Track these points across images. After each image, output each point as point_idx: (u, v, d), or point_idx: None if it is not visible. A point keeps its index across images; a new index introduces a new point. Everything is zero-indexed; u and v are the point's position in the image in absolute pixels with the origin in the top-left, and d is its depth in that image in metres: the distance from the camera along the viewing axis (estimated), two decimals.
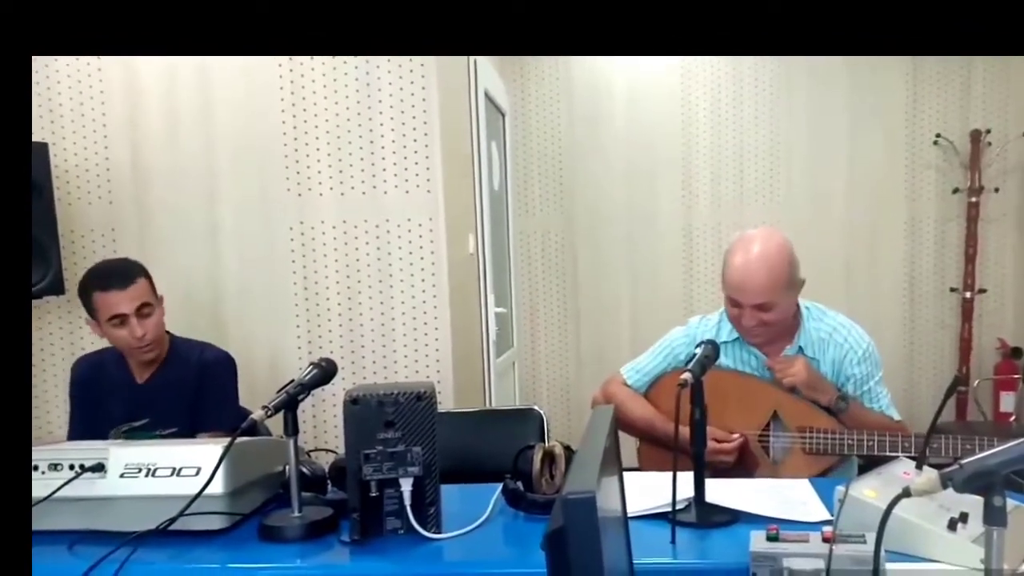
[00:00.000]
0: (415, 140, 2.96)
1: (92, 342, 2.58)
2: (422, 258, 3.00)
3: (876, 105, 4.89)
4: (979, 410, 4.91)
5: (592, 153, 5.03)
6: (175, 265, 3.06)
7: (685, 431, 1.65)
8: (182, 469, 1.66)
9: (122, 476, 1.68)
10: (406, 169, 2.97)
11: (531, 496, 1.74)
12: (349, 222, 3.02)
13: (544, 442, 1.93)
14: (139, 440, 1.98)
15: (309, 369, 1.74)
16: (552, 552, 0.91)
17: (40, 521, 1.60)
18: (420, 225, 2.99)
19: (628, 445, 2.06)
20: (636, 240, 5.06)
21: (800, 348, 2.22)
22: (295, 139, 3.00)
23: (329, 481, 1.85)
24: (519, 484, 1.76)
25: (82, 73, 3.02)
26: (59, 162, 3.01)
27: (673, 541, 1.56)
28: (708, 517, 1.65)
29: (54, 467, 1.69)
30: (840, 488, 1.46)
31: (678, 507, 1.58)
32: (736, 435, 2.14)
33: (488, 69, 3.89)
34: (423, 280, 3.01)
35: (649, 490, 1.74)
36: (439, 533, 1.63)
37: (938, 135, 4.87)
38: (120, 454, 1.70)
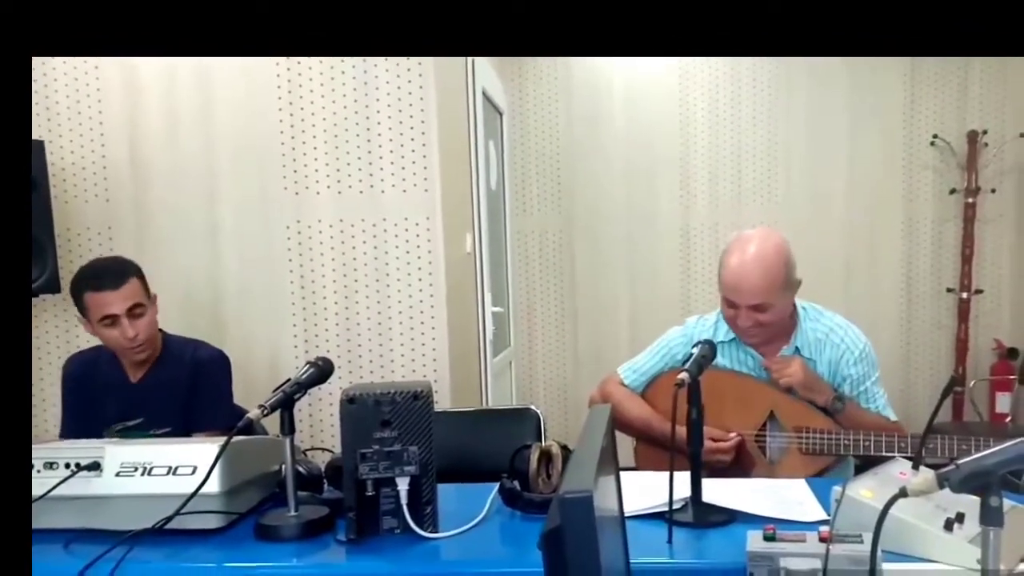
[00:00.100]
0: (412, 139, 2.96)
1: (88, 340, 2.57)
2: (419, 257, 3.00)
3: (874, 106, 4.90)
4: (975, 411, 4.92)
5: (590, 153, 5.03)
6: (172, 264, 3.06)
7: (682, 431, 1.65)
8: (178, 468, 1.66)
9: (118, 475, 1.67)
10: (403, 168, 2.97)
11: (528, 495, 1.74)
12: (346, 221, 3.01)
13: (541, 441, 1.93)
14: (134, 439, 1.97)
15: (306, 368, 1.74)
16: (549, 551, 0.91)
17: (36, 519, 1.59)
18: (417, 224, 2.99)
19: (625, 445, 2.06)
20: (634, 240, 5.06)
21: (797, 348, 2.22)
22: (293, 138, 3.00)
23: (325, 480, 1.85)
24: (516, 483, 1.76)
25: (79, 71, 3.02)
26: (56, 160, 3.01)
27: (670, 541, 1.56)
28: (705, 517, 1.65)
29: (50, 465, 1.69)
30: (837, 488, 1.46)
31: (675, 507, 1.58)
32: (733, 434, 2.14)
33: (486, 68, 3.89)
34: (420, 279, 3.00)
35: (646, 490, 1.74)
36: (435, 532, 1.63)
37: (935, 136, 4.87)
38: (116, 453, 1.70)
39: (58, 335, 3.09)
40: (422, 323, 3.02)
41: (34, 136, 2.94)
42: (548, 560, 0.92)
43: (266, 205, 3.04)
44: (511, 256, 4.72)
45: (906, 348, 5.07)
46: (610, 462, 1.25)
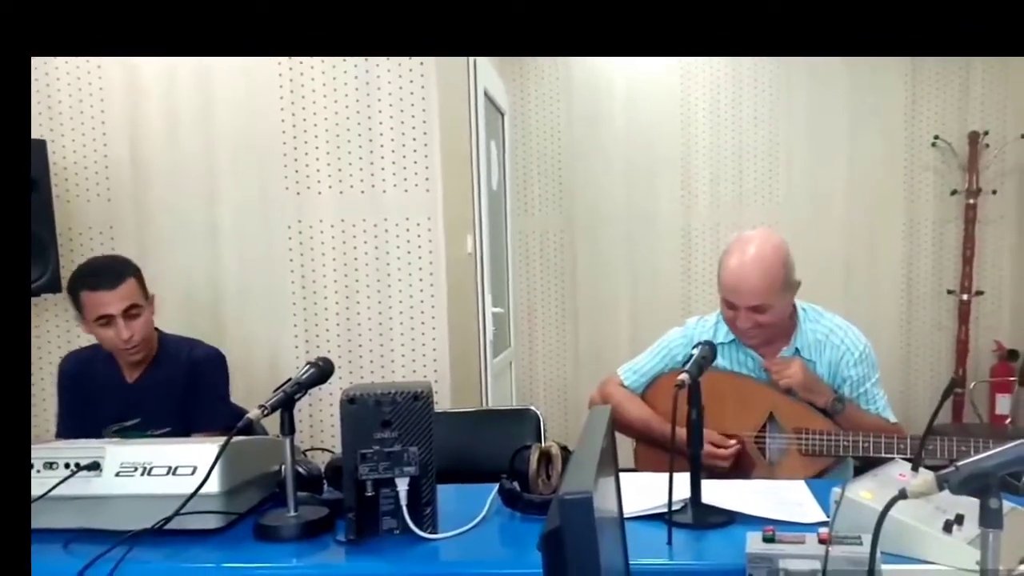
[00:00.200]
0: (414, 139, 2.96)
1: (88, 340, 2.57)
2: (420, 257, 3.00)
3: (874, 106, 4.89)
4: (975, 412, 4.92)
5: (591, 153, 5.03)
6: (173, 263, 3.06)
7: (682, 432, 1.65)
8: (178, 468, 1.66)
9: (118, 475, 1.67)
10: (405, 168, 2.97)
11: (528, 496, 1.74)
12: (347, 221, 3.02)
13: (541, 442, 1.93)
14: (133, 439, 1.97)
15: (306, 368, 1.74)
16: (548, 552, 0.91)
17: (36, 519, 1.59)
18: (418, 224, 2.99)
19: (625, 446, 2.06)
20: (635, 240, 5.06)
21: (796, 350, 2.22)
22: (294, 138, 3.00)
23: (325, 481, 1.85)
24: (516, 484, 1.76)
25: (81, 71, 3.02)
26: (57, 159, 3.01)
27: (669, 542, 1.56)
28: (704, 518, 1.65)
29: (50, 465, 1.69)
30: (836, 490, 1.46)
31: (674, 508, 1.59)
32: (733, 442, 2.14)
33: (487, 69, 3.89)
34: (421, 280, 3.00)
35: (645, 491, 1.74)
36: (435, 533, 1.63)
37: (936, 137, 4.87)
38: (116, 453, 1.70)
39: (59, 335, 3.09)
40: (423, 323, 3.02)
41: (36, 135, 2.95)
42: (548, 561, 0.92)
43: (267, 205, 3.04)
44: (512, 256, 4.72)
45: (906, 349, 5.06)
46: (610, 463, 1.25)
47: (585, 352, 5.15)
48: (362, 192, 2.99)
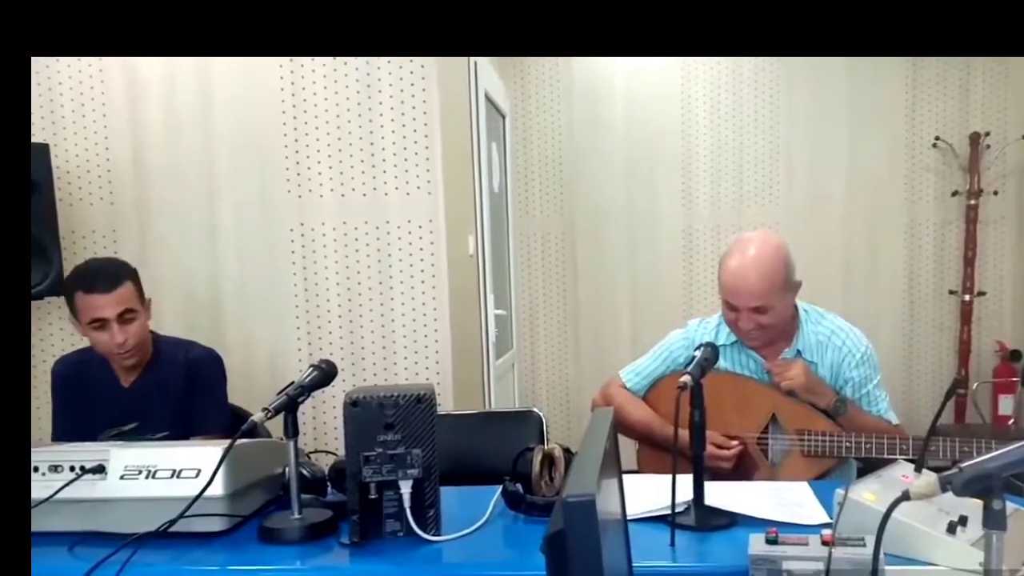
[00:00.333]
0: (415, 142, 2.97)
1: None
2: (422, 260, 3.00)
3: (875, 107, 4.89)
4: (978, 413, 4.92)
5: (592, 155, 5.04)
6: (176, 266, 3.07)
7: (684, 434, 1.65)
8: (182, 471, 1.67)
9: (122, 478, 1.68)
10: (406, 171, 2.98)
11: (530, 498, 1.74)
12: (349, 223, 3.02)
13: (544, 444, 1.93)
14: (136, 443, 1.97)
15: (309, 371, 1.74)
16: (552, 555, 0.92)
17: (40, 522, 1.60)
18: (420, 227, 2.99)
19: (627, 448, 2.07)
20: (636, 242, 5.06)
21: (798, 351, 2.22)
22: (296, 140, 3.01)
23: (329, 483, 1.85)
24: (519, 486, 1.76)
25: (83, 74, 3.03)
26: (60, 163, 3.02)
27: (672, 544, 1.56)
28: (707, 520, 1.65)
29: (54, 468, 1.69)
30: (839, 491, 1.46)
31: (677, 510, 1.58)
32: (735, 443, 2.14)
33: (488, 71, 3.89)
34: (423, 282, 3.01)
35: (648, 493, 1.74)
36: (438, 535, 1.64)
37: (937, 138, 4.87)
38: (120, 456, 1.70)
39: (62, 338, 3.09)
40: (425, 326, 3.02)
41: (39, 139, 2.95)
42: (551, 563, 0.92)
43: (269, 208, 3.04)
44: (514, 258, 4.73)
45: (908, 350, 5.06)
46: (613, 465, 1.26)
47: (587, 354, 5.15)
48: (364, 195, 3.00)
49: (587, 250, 5.10)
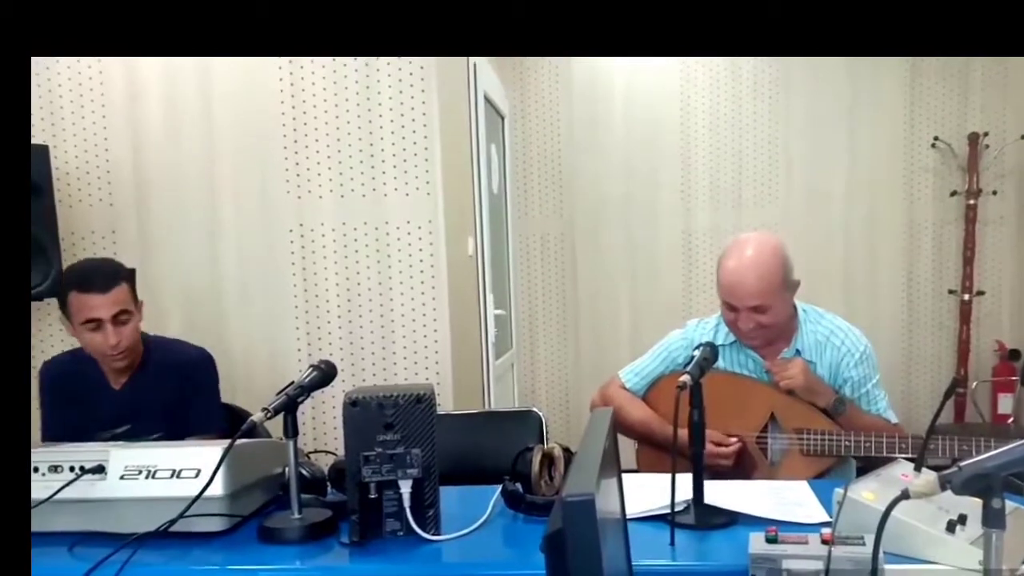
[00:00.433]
0: (415, 143, 2.97)
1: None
2: (421, 260, 3.00)
3: (874, 107, 4.90)
4: (977, 412, 4.92)
5: (591, 155, 5.04)
6: (176, 267, 3.07)
7: (683, 433, 1.65)
8: (182, 471, 1.67)
9: (122, 478, 1.68)
10: (406, 172, 2.98)
11: (530, 498, 1.75)
12: (349, 224, 3.02)
13: (543, 444, 1.93)
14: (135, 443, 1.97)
15: (309, 371, 1.74)
16: (551, 554, 0.92)
17: (40, 522, 1.60)
18: (419, 227, 2.99)
19: (627, 447, 2.07)
20: (635, 242, 5.06)
21: (797, 351, 2.23)
22: (295, 141, 3.01)
23: (329, 483, 1.86)
24: (518, 486, 1.76)
25: (83, 75, 3.03)
26: (60, 164, 3.02)
27: (672, 543, 1.56)
28: (707, 519, 1.66)
29: (54, 469, 1.69)
30: (839, 490, 1.46)
31: (677, 509, 1.59)
32: (734, 440, 2.15)
33: (488, 71, 3.90)
34: (422, 282, 3.01)
35: (648, 492, 1.74)
36: (438, 535, 1.64)
37: (936, 138, 4.87)
38: (120, 456, 1.70)
39: (62, 339, 3.09)
40: (424, 326, 3.02)
41: (38, 140, 2.95)
42: (550, 562, 0.92)
43: (268, 209, 3.04)
44: (513, 259, 4.73)
45: (908, 350, 5.06)
46: (612, 464, 1.26)
47: (586, 354, 5.15)
48: (363, 196, 3.00)
49: (586, 251, 5.11)
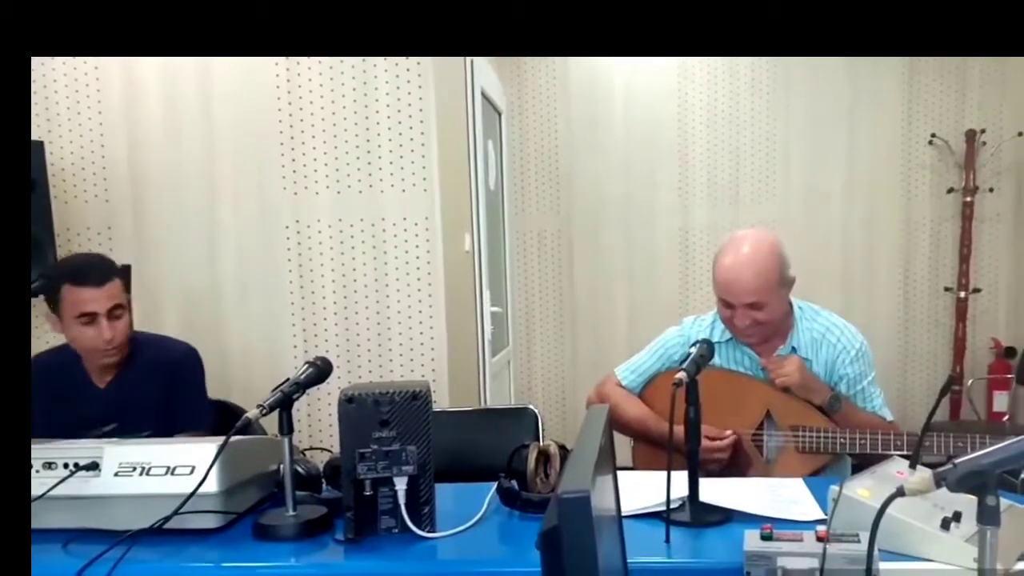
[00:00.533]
0: (411, 139, 2.96)
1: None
2: (418, 257, 3.00)
3: (872, 105, 4.90)
4: (973, 409, 4.93)
5: (588, 153, 5.03)
6: (171, 264, 3.06)
7: (679, 430, 1.65)
8: (176, 468, 1.66)
9: (116, 475, 1.68)
10: (402, 168, 2.98)
11: (526, 495, 1.75)
12: (345, 221, 3.02)
13: (539, 441, 1.93)
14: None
15: (304, 368, 1.74)
16: (547, 551, 0.92)
17: (34, 519, 1.59)
18: (416, 224, 2.99)
19: (622, 444, 2.07)
20: (632, 240, 5.06)
21: (793, 348, 2.23)
22: (292, 138, 3.00)
23: (324, 480, 1.86)
24: (514, 483, 1.76)
25: (78, 71, 3.02)
26: (55, 160, 3.01)
27: (667, 540, 1.56)
28: (702, 516, 1.66)
29: (48, 465, 1.69)
30: (834, 487, 1.47)
31: (672, 506, 1.59)
32: (729, 432, 2.14)
33: (485, 68, 3.89)
34: (419, 279, 3.01)
35: (643, 489, 1.74)
36: (433, 532, 1.64)
37: (933, 135, 4.88)
38: (114, 453, 1.70)
39: (57, 336, 3.08)
40: (421, 323, 3.02)
41: (34, 136, 2.94)
42: (546, 559, 0.92)
43: (265, 205, 3.04)
44: (510, 256, 4.73)
45: (904, 347, 5.07)
46: (608, 462, 1.26)
47: (583, 351, 5.15)
48: (360, 192, 3.00)
49: (583, 247, 5.11)
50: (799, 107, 4.92)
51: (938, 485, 1.15)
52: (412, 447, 1.60)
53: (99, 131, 3.05)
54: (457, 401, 3.11)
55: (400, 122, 2.96)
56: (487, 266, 3.80)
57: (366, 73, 2.96)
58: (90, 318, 2.19)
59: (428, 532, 1.63)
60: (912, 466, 1.56)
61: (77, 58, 3.00)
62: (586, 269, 5.12)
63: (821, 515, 1.62)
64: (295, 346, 3.07)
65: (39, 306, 3.02)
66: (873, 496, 1.44)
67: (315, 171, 3.01)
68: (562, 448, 1.84)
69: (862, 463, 1.95)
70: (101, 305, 2.19)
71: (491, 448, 2.05)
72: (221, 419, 2.44)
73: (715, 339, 2.22)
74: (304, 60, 2.96)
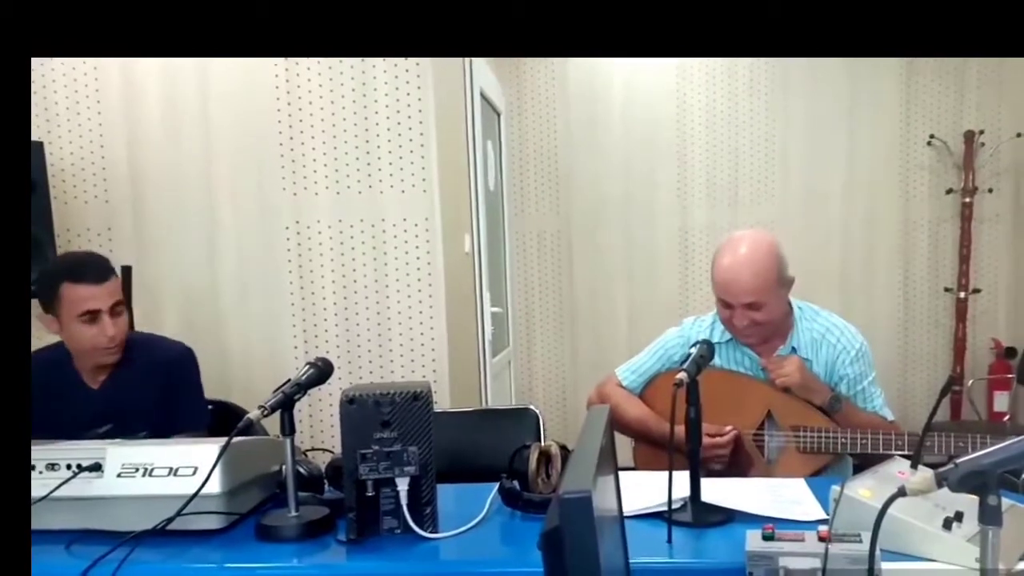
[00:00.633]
0: (411, 140, 2.97)
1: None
2: (418, 258, 3.00)
3: (870, 106, 4.90)
4: (973, 410, 4.93)
5: (588, 153, 5.04)
6: (172, 264, 3.07)
7: (680, 430, 1.65)
8: (179, 469, 1.66)
9: (119, 476, 1.68)
10: (402, 169, 2.98)
11: (527, 495, 1.75)
12: (345, 222, 3.02)
13: (540, 441, 1.93)
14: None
15: (305, 369, 1.74)
16: (548, 551, 0.92)
17: (38, 520, 1.60)
18: (416, 225, 2.99)
19: (624, 445, 2.07)
20: (632, 240, 5.06)
21: (793, 348, 2.23)
22: (291, 139, 3.01)
23: (326, 481, 1.86)
24: (515, 483, 1.76)
25: (78, 72, 3.02)
26: (55, 161, 3.01)
27: (669, 540, 1.56)
28: (704, 517, 1.66)
29: (51, 467, 1.69)
30: (835, 487, 1.47)
31: (674, 507, 1.59)
32: (729, 428, 2.14)
33: (484, 69, 3.89)
34: (419, 280, 3.01)
35: (645, 489, 1.74)
36: (435, 532, 1.64)
37: (932, 136, 4.88)
38: (117, 454, 1.70)
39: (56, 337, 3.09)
40: (421, 323, 3.02)
41: (33, 137, 2.94)
42: (548, 560, 0.92)
43: (265, 206, 3.04)
44: (510, 256, 4.73)
45: (904, 348, 5.07)
46: (609, 462, 1.26)
47: (583, 351, 5.15)
48: (359, 193, 3.00)
49: (583, 248, 5.11)
50: (798, 108, 4.92)
51: (939, 485, 1.15)
52: (413, 448, 1.60)
53: (99, 131, 3.05)
54: (458, 402, 3.11)
55: (399, 123, 2.96)
56: (487, 267, 3.80)
57: (365, 75, 2.96)
58: (92, 316, 2.16)
59: (430, 532, 1.63)
60: (913, 466, 1.56)
61: (76, 59, 3.00)
62: (586, 269, 5.12)
63: (823, 515, 1.62)
64: (296, 347, 3.07)
65: (34, 307, 3.04)
66: (875, 496, 1.44)
67: (315, 172, 3.01)
68: (563, 448, 1.84)
69: (863, 463, 1.95)
70: (103, 302, 2.16)
71: (492, 448, 2.05)
72: (222, 420, 2.44)
73: (715, 340, 2.22)
74: (303, 61, 2.97)
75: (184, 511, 1.58)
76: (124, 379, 2.28)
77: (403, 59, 2.93)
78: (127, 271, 2.85)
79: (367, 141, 2.98)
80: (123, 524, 1.60)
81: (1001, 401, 4.94)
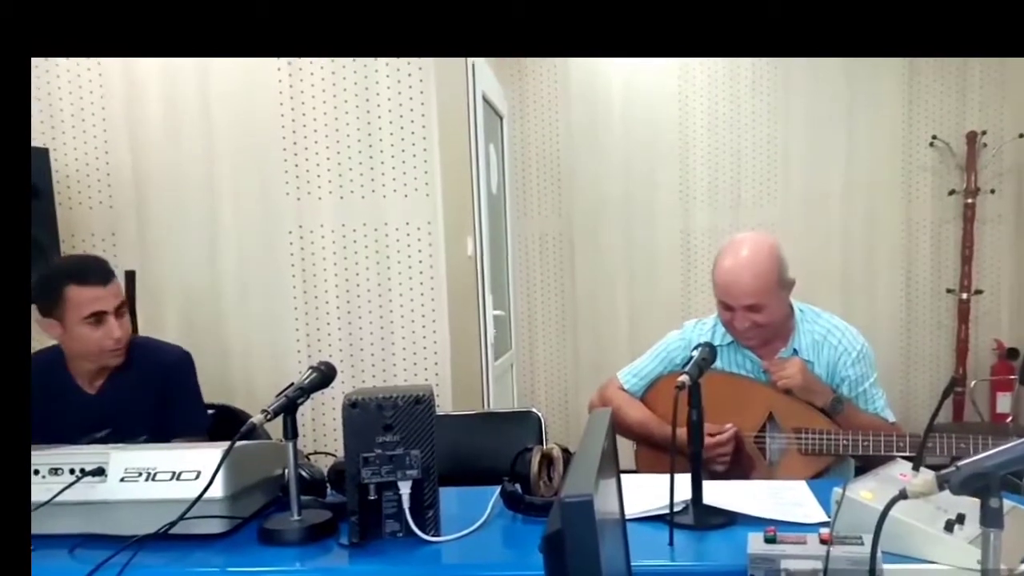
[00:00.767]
0: (413, 144, 2.97)
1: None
2: (420, 261, 3.01)
3: (872, 107, 4.90)
4: (976, 411, 4.92)
5: (590, 155, 5.04)
6: (176, 269, 3.07)
7: (682, 432, 1.66)
8: (182, 473, 1.67)
9: (122, 480, 1.68)
10: (404, 172, 2.98)
11: (529, 499, 1.75)
12: (348, 226, 3.02)
13: (542, 444, 1.94)
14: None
15: (308, 373, 1.75)
16: (550, 554, 0.92)
17: (41, 525, 1.60)
18: (419, 228, 3.00)
19: (625, 448, 2.07)
20: (634, 242, 5.06)
21: (795, 350, 2.23)
22: (294, 143, 3.01)
23: (328, 484, 1.86)
24: (517, 486, 1.76)
25: (82, 78, 3.03)
26: (60, 167, 3.02)
27: (671, 543, 1.56)
28: (706, 519, 1.66)
29: (55, 471, 1.69)
30: (837, 490, 1.47)
31: (676, 509, 1.59)
32: (729, 425, 2.13)
33: (486, 72, 3.90)
34: (422, 283, 3.01)
35: (646, 492, 1.74)
36: (438, 536, 1.64)
37: (934, 137, 4.88)
38: (120, 458, 1.71)
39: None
40: (424, 327, 3.02)
41: (38, 144, 2.96)
42: (549, 563, 0.93)
43: (268, 210, 3.05)
44: (512, 259, 4.73)
45: (906, 349, 5.07)
46: (611, 465, 1.26)
47: (585, 354, 5.15)
48: (362, 197, 3.00)
49: (585, 251, 5.11)
50: (799, 108, 4.92)
51: (941, 487, 1.15)
52: (416, 451, 1.60)
53: (103, 137, 3.06)
54: (460, 405, 3.11)
55: (402, 127, 2.97)
56: (489, 270, 3.80)
57: (367, 78, 2.97)
58: (98, 318, 2.13)
59: (433, 536, 1.63)
60: (915, 468, 1.56)
61: (80, 65, 3.02)
62: (588, 272, 5.12)
63: (824, 517, 1.62)
64: (299, 351, 3.08)
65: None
66: (876, 498, 1.44)
67: (317, 176, 3.01)
68: (565, 451, 1.85)
69: (865, 465, 1.96)
70: (109, 303, 2.15)
71: (494, 452, 2.06)
72: (224, 424, 2.44)
73: (717, 342, 2.22)
74: (306, 64, 2.97)
75: (187, 515, 1.58)
76: (122, 383, 2.25)
77: (406, 63, 2.94)
78: (131, 276, 2.86)
79: (370, 145, 2.99)
80: (126, 528, 1.61)
81: (1004, 402, 4.93)
